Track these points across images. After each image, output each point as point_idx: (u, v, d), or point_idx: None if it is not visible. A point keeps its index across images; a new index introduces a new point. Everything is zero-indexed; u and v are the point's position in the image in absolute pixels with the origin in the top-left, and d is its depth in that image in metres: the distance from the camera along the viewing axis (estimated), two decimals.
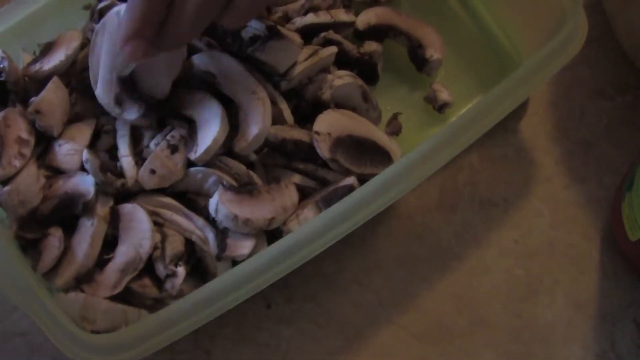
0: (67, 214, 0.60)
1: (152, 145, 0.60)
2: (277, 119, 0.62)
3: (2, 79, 0.61)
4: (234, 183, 0.60)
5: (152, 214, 0.60)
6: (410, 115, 0.69)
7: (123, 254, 0.58)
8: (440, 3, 0.74)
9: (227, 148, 0.61)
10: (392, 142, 0.64)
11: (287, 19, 0.66)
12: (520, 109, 0.71)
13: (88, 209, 0.59)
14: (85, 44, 0.63)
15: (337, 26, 0.67)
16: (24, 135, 0.60)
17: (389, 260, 0.66)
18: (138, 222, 0.59)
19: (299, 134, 0.62)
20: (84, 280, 0.58)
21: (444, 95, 0.68)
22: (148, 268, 0.59)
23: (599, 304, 0.65)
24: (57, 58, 0.62)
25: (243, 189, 0.60)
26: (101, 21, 0.60)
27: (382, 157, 0.63)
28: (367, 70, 0.68)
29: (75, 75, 0.63)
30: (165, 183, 0.60)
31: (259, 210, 0.59)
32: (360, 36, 0.69)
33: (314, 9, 0.67)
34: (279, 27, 0.62)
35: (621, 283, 0.65)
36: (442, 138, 0.58)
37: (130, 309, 0.57)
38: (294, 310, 0.64)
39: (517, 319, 0.64)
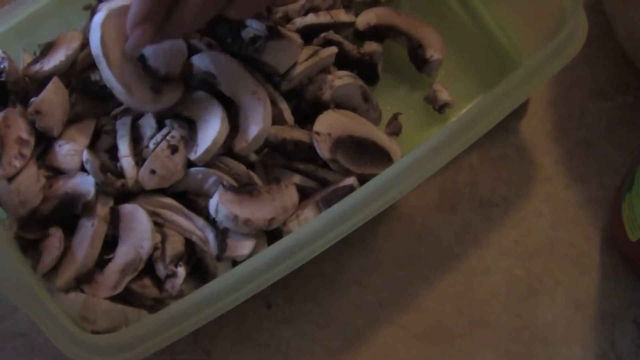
0: (67, 214, 0.60)
1: (152, 145, 0.60)
2: (278, 120, 0.62)
3: (3, 79, 0.61)
4: (234, 183, 0.60)
5: (152, 214, 0.60)
6: (410, 115, 0.69)
7: (123, 254, 0.58)
8: (441, 3, 0.74)
9: (227, 148, 0.61)
10: (392, 142, 0.64)
11: (287, 19, 0.66)
12: (521, 109, 0.71)
13: (88, 209, 0.59)
14: (86, 44, 0.63)
15: (337, 26, 0.67)
16: (24, 135, 0.60)
17: (389, 261, 0.66)
18: (138, 222, 0.59)
19: (299, 135, 0.62)
20: (84, 280, 0.58)
21: (444, 95, 0.68)
22: (148, 268, 0.59)
23: (599, 304, 0.65)
24: (57, 58, 0.62)
25: (243, 189, 0.60)
26: None
27: (382, 157, 0.63)
28: (367, 71, 0.68)
29: (76, 75, 0.63)
30: (166, 183, 0.60)
31: (259, 211, 0.59)
32: (361, 36, 0.69)
33: (314, 10, 0.67)
34: (279, 28, 0.62)
35: (621, 283, 0.65)
36: (442, 138, 0.58)
37: (131, 309, 0.57)
38: (294, 310, 0.64)
39: (517, 319, 0.64)
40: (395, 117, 0.68)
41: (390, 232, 0.67)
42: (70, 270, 0.58)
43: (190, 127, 0.61)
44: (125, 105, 0.61)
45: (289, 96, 0.64)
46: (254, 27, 0.61)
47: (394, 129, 0.67)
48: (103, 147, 0.62)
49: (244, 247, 0.59)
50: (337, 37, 0.67)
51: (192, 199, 0.61)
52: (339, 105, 0.64)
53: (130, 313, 0.57)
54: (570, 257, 0.66)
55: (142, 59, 0.60)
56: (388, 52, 0.70)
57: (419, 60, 0.69)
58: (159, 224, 0.60)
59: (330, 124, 0.62)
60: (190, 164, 0.60)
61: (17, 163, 0.59)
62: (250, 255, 0.59)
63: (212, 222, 0.60)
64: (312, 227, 0.56)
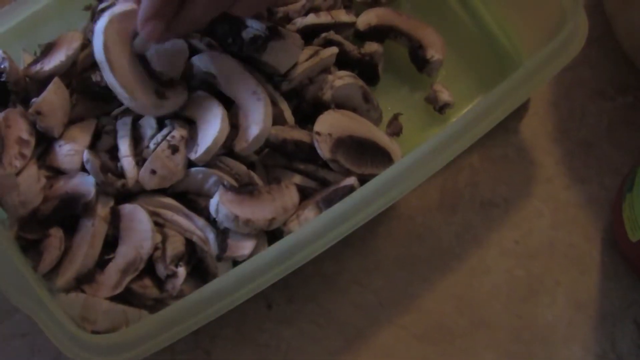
0: (67, 214, 0.60)
1: (152, 145, 0.60)
2: (278, 120, 0.62)
3: (3, 79, 0.61)
4: (234, 183, 0.60)
5: (152, 214, 0.60)
6: (410, 115, 0.69)
7: (124, 254, 0.58)
8: (441, 4, 0.74)
9: (227, 148, 0.61)
10: (393, 142, 0.64)
11: (287, 19, 0.66)
12: (521, 109, 0.71)
13: (89, 209, 0.59)
14: (86, 44, 0.64)
15: (337, 27, 0.67)
16: (25, 135, 0.60)
17: (389, 261, 0.66)
18: (139, 222, 0.59)
19: (299, 135, 0.62)
20: (84, 280, 0.58)
21: (444, 95, 0.68)
22: (149, 268, 0.59)
23: (600, 304, 0.65)
24: (57, 59, 0.62)
25: (244, 189, 0.60)
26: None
27: (382, 157, 0.63)
28: (367, 71, 0.68)
29: (76, 75, 0.63)
30: (166, 183, 0.60)
31: (260, 211, 0.59)
32: (361, 37, 0.69)
33: (315, 10, 0.67)
34: (280, 28, 0.62)
35: (622, 283, 0.65)
36: (442, 138, 0.58)
37: (131, 310, 0.57)
38: (294, 310, 0.64)
39: (518, 319, 0.64)
40: (395, 117, 0.68)
41: (390, 232, 0.67)
42: (70, 270, 0.58)
43: (191, 127, 0.61)
44: (134, 110, 0.61)
45: (290, 96, 0.64)
46: (254, 27, 0.61)
47: (395, 129, 0.67)
48: (103, 147, 0.62)
49: (245, 247, 0.59)
50: (338, 38, 0.67)
51: (192, 199, 0.61)
52: (340, 105, 0.64)
53: (131, 313, 0.57)
54: (571, 257, 0.66)
55: (145, 62, 0.60)
56: (388, 52, 0.70)
57: (419, 60, 0.69)
58: (159, 224, 0.60)
59: (330, 124, 0.62)
60: (190, 164, 0.60)
61: (18, 163, 0.59)
62: (251, 255, 0.58)
63: (212, 222, 0.60)
64: (312, 227, 0.56)
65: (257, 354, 0.63)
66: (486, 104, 0.60)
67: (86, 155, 0.60)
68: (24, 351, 0.62)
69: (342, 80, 0.64)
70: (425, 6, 0.73)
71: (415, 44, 0.69)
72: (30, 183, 0.59)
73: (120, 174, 0.60)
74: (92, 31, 0.63)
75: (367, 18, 0.70)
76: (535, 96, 0.72)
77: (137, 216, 0.59)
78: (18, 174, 0.59)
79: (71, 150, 0.61)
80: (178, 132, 0.60)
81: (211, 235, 0.60)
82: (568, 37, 0.61)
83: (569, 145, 0.70)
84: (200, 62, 0.61)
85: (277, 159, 0.63)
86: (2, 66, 0.61)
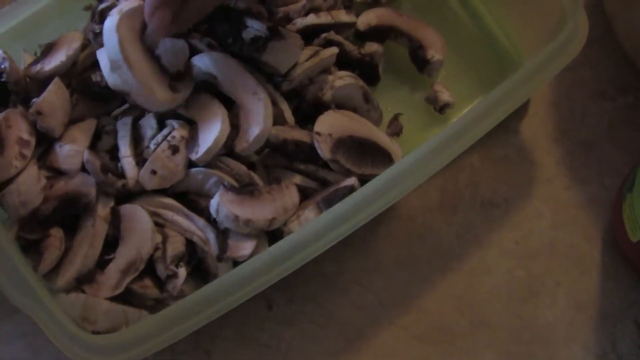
0: (68, 214, 0.60)
1: (152, 145, 0.60)
2: (278, 120, 0.62)
3: (4, 79, 0.61)
4: (234, 184, 0.60)
5: (153, 214, 0.60)
6: (411, 116, 0.69)
7: (124, 254, 0.58)
8: (441, 4, 0.74)
9: (228, 149, 0.61)
10: (393, 142, 0.64)
11: (288, 19, 0.66)
12: (521, 109, 0.71)
13: (89, 209, 0.59)
14: (86, 44, 0.64)
15: (338, 27, 0.67)
16: (25, 136, 0.60)
17: (389, 261, 0.66)
18: (139, 222, 0.59)
19: (299, 135, 0.62)
20: (84, 281, 0.58)
21: (445, 96, 0.68)
22: (149, 269, 0.59)
23: (600, 304, 0.65)
24: (58, 59, 0.62)
25: (244, 189, 0.60)
26: None
27: (383, 157, 0.63)
28: (368, 71, 0.68)
29: (76, 76, 0.63)
30: (166, 184, 0.60)
31: (260, 211, 0.59)
32: (361, 37, 0.69)
33: (315, 10, 0.67)
34: (280, 28, 0.62)
35: (622, 284, 0.65)
36: (443, 139, 0.58)
37: (131, 310, 0.57)
38: (294, 311, 0.64)
39: (518, 319, 0.64)
40: (396, 117, 0.68)
41: (391, 232, 0.67)
42: (70, 270, 0.58)
43: (191, 127, 0.61)
44: (144, 107, 0.60)
45: (290, 96, 0.64)
46: (254, 27, 0.61)
47: (395, 129, 0.67)
48: (104, 148, 0.62)
49: (245, 247, 0.59)
50: (338, 38, 0.67)
51: (193, 200, 0.61)
52: (340, 105, 0.64)
53: (131, 313, 0.57)
54: (571, 257, 0.66)
55: (157, 58, 0.60)
56: (389, 52, 0.70)
57: (419, 60, 0.69)
58: (159, 225, 0.60)
59: (331, 125, 0.62)
60: (191, 164, 0.60)
61: (18, 163, 0.59)
62: (251, 255, 0.58)
63: (213, 222, 0.60)
64: (312, 228, 0.56)
65: (257, 354, 0.63)
66: (486, 104, 0.60)
67: (86, 155, 0.60)
68: (24, 351, 0.62)
69: (343, 80, 0.64)
70: (425, 6, 0.73)
71: (415, 44, 0.69)
72: (31, 183, 0.59)
73: (121, 174, 0.60)
74: (92, 31, 0.63)
75: (368, 18, 0.70)
76: (536, 96, 0.72)
77: (138, 216, 0.59)
78: (18, 174, 0.59)
79: (71, 151, 0.61)
80: (178, 133, 0.60)
81: (211, 236, 0.60)
82: (568, 37, 0.61)
83: (569, 145, 0.70)
84: (201, 63, 0.61)
85: (277, 159, 0.63)
86: (2, 66, 0.61)
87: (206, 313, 0.54)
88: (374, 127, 0.64)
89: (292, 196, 0.60)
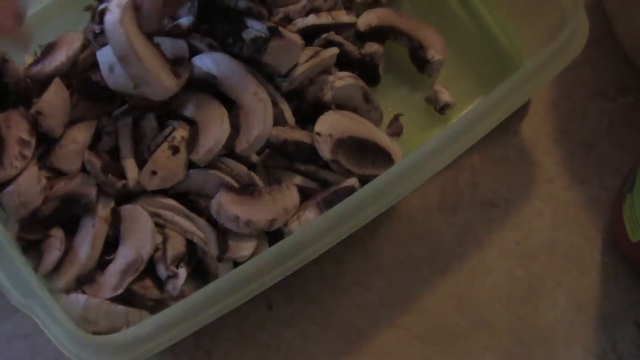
0: (68, 215, 0.60)
1: (153, 146, 0.60)
2: (279, 120, 0.62)
3: (4, 80, 0.61)
4: (235, 184, 0.60)
5: (153, 215, 0.60)
6: (411, 116, 0.69)
7: (124, 255, 0.58)
8: (441, 4, 0.74)
9: (228, 149, 0.61)
10: (394, 143, 0.64)
11: (288, 20, 0.66)
12: (522, 109, 0.71)
13: (89, 210, 0.59)
14: (87, 45, 0.63)
15: (338, 27, 0.67)
16: (25, 136, 0.60)
17: (390, 262, 0.66)
18: (139, 223, 0.59)
19: (300, 135, 0.62)
20: (85, 281, 0.58)
21: (445, 96, 0.68)
22: (149, 269, 0.59)
23: (600, 305, 0.65)
24: (58, 59, 0.62)
25: (244, 190, 0.60)
26: None
27: (383, 158, 0.63)
28: (368, 72, 0.68)
29: (77, 76, 0.63)
30: (167, 184, 0.60)
31: (260, 212, 0.59)
32: (362, 37, 0.69)
33: (315, 10, 0.67)
34: (280, 29, 0.61)
35: (622, 284, 0.65)
36: (443, 139, 0.58)
37: (132, 310, 0.57)
38: (295, 311, 0.64)
39: (518, 320, 0.64)
40: (396, 117, 0.68)
41: (391, 232, 0.67)
42: (71, 271, 0.58)
43: (192, 127, 0.61)
44: (150, 97, 0.60)
45: (290, 97, 0.64)
46: (255, 27, 0.61)
47: (395, 129, 0.67)
48: (104, 148, 0.62)
49: (245, 248, 0.59)
50: (338, 38, 0.67)
51: (193, 200, 0.61)
52: (340, 106, 0.64)
53: (132, 314, 0.57)
54: (571, 258, 0.66)
55: (157, 45, 0.60)
56: (389, 53, 0.70)
57: (420, 61, 0.69)
58: (160, 225, 0.60)
59: (331, 125, 0.62)
60: (191, 164, 0.60)
61: (18, 164, 0.59)
62: (252, 256, 0.59)
63: (213, 223, 0.60)
64: (313, 228, 0.56)
65: (257, 355, 0.63)
66: (487, 104, 0.60)
67: (87, 155, 0.60)
68: (24, 352, 0.62)
69: (343, 80, 0.64)
70: (425, 7, 0.73)
71: (415, 45, 0.70)
72: (31, 184, 0.59)
73: (121, 175, 0.60)
74: (92, 32, 0.63)
75: (368, 19, 0.70)
76: (536, 97, 0.72)
77: (138, 217, 0.59)
78: (19, 174, 0.59)
79: (72, 151, 0.61)
80: (179, 133, 0.60)
81: (212, 236, 0.60)
82: (569, 37, 0.61)
83: (569, 145, 0.70)
84: (201, 63, 0.61)
85: (277, 160, 0.63)
86: (2, 67, 0.61)
87: (206, 313, 0.54)
88: (374, 127, 0.64)
89: (292, 197, 0.60)
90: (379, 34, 0.70)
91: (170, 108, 0.62)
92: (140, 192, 0.61)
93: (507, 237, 0.67)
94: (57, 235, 0.59)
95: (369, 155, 0.62)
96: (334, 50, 0.65)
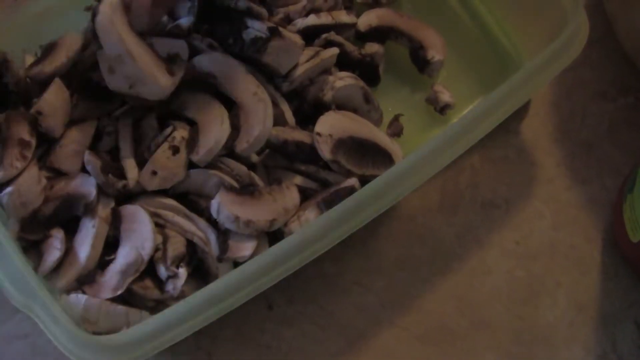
0: (68, 215, 0.60)
1: (153, 146, 0.60)
2: (279, 121, 0.62)
3: (4, 80, 0.61)
4: (235, 184, 0.60)
5: (153, 215, 0.60)
6: (411, 116, 0.69)
7: (124, 255, 0.58)
8: (442, 4, 0.74)
9: (228, 149, 0.61)
10: (394, 143, 0.64)
11: (288, 20, 0.66)
12: (522, 110, 0.71)
13: (89, 210, 0.59)
14: (87, 45, 0.63)
15: (338, 28, 0.67)
16: (26, 136, 0.60)
17: (390, 262, 0.66)
18: (140, 223, 0.59)
19: (300, 136, 0.62)
20: (85, 281, 0.58)
21: (445, 96, 0.68)
22: (149, 269, 0.59)
23: (600, 305, 0.65)
24: (58, 59, 0.62)
25: (244, 190, 0.60)
26: None
27: (383, 158, 0.63)
28: (368, 72, 0.68)
29: (77, 76, 0.63)
30: (167, 184, 0.60)
31: (261, 212, 0.59)
32: (362, 37, 0.69)
33: (316, 11, 0.67)
34: (280, 29, 0.61)
35: (622, 284, 0.65)
36: (443, 139, 0.58)
37: (132, 311, 0.57)
38: (295, 311, 0.64)
39: (519, 320, 0.64)
40: (396, 118, 0.68)
41: (391, 233, 0.67)
42: (71, 271, 0.58)
43: (192, 128, 0.61)
44: (147, 97, 0.60)
45: (290, 97, 0.64)
46: (255, 28, 0.61)
47: (395, 130, 0.67)
48: (104, 148, 0.62)
49: (246, 248, 0.59)
50: (339, 38, 0.67)
51: (193, 200, 0.61)
52: (340, 106, 0.64)
53: (132, 314, 0.57)
54: (572, 258, 0.66)
55: (150, 45, 0.60)
56: (389, 53, 0.70)
57: (420, 61, 0.69)
58: (160, 225, 0.60)
59: (331, 125, 0.62)
60: (191, 164, 0.60)
61: (19, 164, 0.59)
62: (252, 256, 0.58)
63: (213, 223, 0.60)
64: (313, 228, 0.56)
65: (258, 355, 0.63)
66: (487, 105, 0.60)
67: (87, 156, 0.60)
68: (25, 352, 0.62)
69: (343, 81, 0.64)
70: (426, 7, 0.73)
71: (416, 45, 0.70)
72: (31, 184, 0.59)
73: (121, 175, 0.60)
74: (92, 32, 0.63)
75: (368, 19, 0.70)
76: (536, 97, 0.72)
77: (138, 217, 0.59)
78: (19, 175, 0.59)
79: (72, 151, 0.61)
80: (179, 133, 0.60)
81: (212, 236, 0.60)
82: (569, 38, 0.61)
83: (569, 146, 0.70)
84: (201, 63, 0.61)
85: (277, 160, 0.63)
86: (3, 67, 0.61)
87: (207, 314, 0.54)
88: (374, 127, 0.64)
89: (292, 197, 0.60)
90: (379, 34, 0.70)
91: (171, 108, 0.62)
92: (141, 192, 0.61)
93: (508, 238, 0.67)
94: (57, 236, 0.59)
95: (369, 155, 0.62)
96: (334, 51, 0.65)
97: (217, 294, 0.54)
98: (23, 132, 0.60)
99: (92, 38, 0.62)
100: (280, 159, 0.63)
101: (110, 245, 0.59)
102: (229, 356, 0.63)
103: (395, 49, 0.71)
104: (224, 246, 0.59)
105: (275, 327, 0.63)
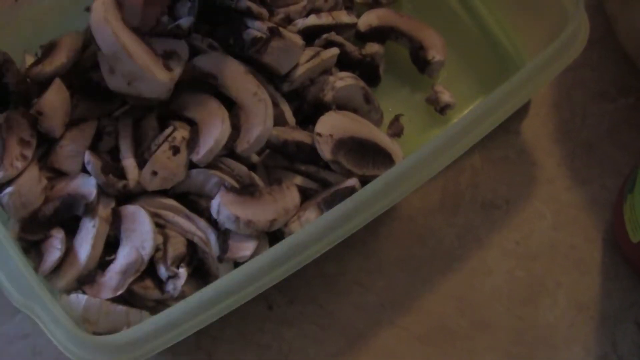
0: (69, 215, 0.60)
1: (153, 146, 0.60)
2: (279, 121, 0.62)
3: (4, 80, 0.61)
4: (235, 184, 0.60)
5: (153, 215, 0.60)
6: (412, 116, 0.69)
7: (125, 255, 0.58)
8: (442, 5, 0.74)
9: (229, 149, 0.61)
10: (394, 143, 0.64)
11: (288, 20, 0.66)
12: (522, 110, 0.71)
13: (90, 210, 0.59)
14: (87, 45, 0.63)
15: (338, 28, 0.67)
16: (26, 136, 0.60)
17: (390, 262, 0.66)
18: (140, 223, 0.59)
19: (300, 136, 0.62)
20: (85, 281, 0.58)
21: (445, 96, 0.68)
22: (150, 270, 0.59)
23: (601, 305, 0.65)
24: (59, 59, 0.62)
25: (245, 190, 0.60)
26: None
27: (384, 158, 0.63)
28: (368, 72, 0.68)
29: (77, 76, 0.63)
30: (167, 184, 0.60)
31: (261, 212, 0.59)
32: (362, 38, 0.69)
33: (316, 11, 0.67)
34: (281, 29, 0.62)
35: (623, 284, 0.65)
36: (444, 140, 0.58)
37: (132, 311, 0.57)
38: (295, 312, 0.64)
39: (519, 320, 0.64)
40: (396, 118, 0.68)
41: (391, 233, 0.67)
42: (72, 271, 0.58)
43: (192, 128, 0.61)
44: (147, 95, 0.60)
45: (291, 97, 0.64)
46: (255, 28, 0.61)
47: (396, 130, 0.67)
48: (105, 148, 0.62)
49: (246, 248, 0.59)
50: (339, 39, 0.67)
51: (193, 200, 0.61)
52: (341, 106, 0.64)
53: (132, 314, 0.57)
54: (572, 258, 0.66)
55: (146, 42, 0.60)
56: (389, 53, 0.70)
57: (420, 61, 0.69)
58: (160, 225, 0.60)
59: (332, 125, 0.62)
60: (192, 165, 0.60)
61: (19, 164, 0.59)
62: (252, 256, 0.58)
63: (213, 223, 0.60)
64: (313, 229, 0.56)
65: (258, 355, 0.63)
66: (487, 105, 0.60)
67: (87, 156, 0.60)
68: (25, 352, 0.62)
69: (343, 81, 0.64)
70: (426, 7, 0.73)
71: (416, 45, 0.70)
72: (32, 184, 0.59)
73: (122, 175, 0.60)
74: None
75: (368, 19, 0.70)
76: (536, 97, 0.72)
77: (139, 217, 0.59)
78: (19, 175, 0.59)
79: (72, 151, 0.61)
80: (179, 133, 0.60)
81: (212, 237, 0.60)
82: (569, 38, 0.61)
83: (570, 146, 0.70)
84: (202, 63, 0.61)
85: (278, 160, 0.63)
86: (3, 67, 0.61)
87: (207, 314, 0.54)
88: (374, 128, 0.64)
89: (293, 197, 0.60)
90: (380, 34, 0.70)
91: (171, 108, 0.62)
92: (141, 193, 0.61)
93: (508, 238, 0.67)
94: (57, 236, 0.59)
95: (369, 155, 0.62)
96: (335, 51, 0.65)
97: (217, 294, 0.54)
98: (23, 132, 0.60)
99: (92, 38, 0.62)
100: (281, 159, 0.63)
101: (111, 245, 0.59)
102: (229, 356, 0.63)
103: (395, 49, 0.71)
104: (224, 246, 0.59)
105: (275, 327, 0.63)
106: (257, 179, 0.61)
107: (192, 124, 0.61)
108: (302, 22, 0.66)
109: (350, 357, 0.63)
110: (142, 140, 0.62)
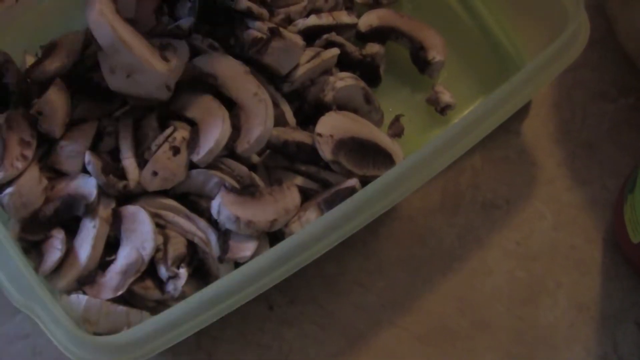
0: (69, 215, 0.60)
1: (154, 147, 0.60)
2: (279, 121, 0.62)
3: (5, 80, 0.61)
4: (236, 185, 0.60)
5: (154, 215, 0.60)
6: (412, 117, 0.69)
7: (125, 256, 0.58)
8: (442, 5, 0.74)
9: (229, 150, 0.61)
10: (395, 144, 0.64)
11: (289, 20, 0.66)
12: (522, 110, 0.71)
13: (90, 210, 0.59)
14: (87, 45, 0.63)
15: (339, 28, 0.67)
16: (26, 137, 0.60)
17: (390, 262, 0.66)
18: (140, 224, 0.59)
19: (301, 136, 0.62)
20: (86, 282, 0.58)
21: (446, 97, 0.68)
22: (150, 270, 0.59)
23: (601, 305, 0.65)
24: (59, 59, 0.62)
25: (245, 190, 0.60)
26: None
27: (384, 159, 0.63)
28: (369, 72, 0.68)
29: (78, 76, 0.63)
30: (168, 185, 0.60)
31: (261, 212, 0.59)
32: (362, 38, 0.69)
33: (316, 11, 0.67)
34: (281, 29, 0.62)
35: (623, 285, 0.65)
36: (444, 140, 0.58)
37: (133, 311, 0.57)
38: (296, 312, 0.64)
39: (519, 320, 0.64)
40: (397, 118, 0.68)
41: (392, 233, 0.67)
42: (72, 271, 0.58)
43: (192, 128, 0.61)
44: (146, 87, 0.60)
45: (291, 98, 0.64)
46: (255, 28, 0.61)
47: (396, 130, 0.67)
48: (105, 149, 0.62)
49: (246, 248, 0.59)
50: (339, 39, 0.67)
51: (194, 201, 0.61)
52: (341, 106, 0.64)
53: (133, 315, 0.57)
54: (572, 259, 0.66)
55: (141, 34, 0.60)
56: (390, 53, 0.70)
57: (421, 62, 0.69)
58: (161, 226, 0.60)
59: (332, 126, 0.62)
60: (192, 165, 0.60)
61: (19, 165, 0.59)
62: (253, 256, 0.58)
63: (214, 223, 0.60)
64: (314, 229, 0.56)
65: (258, 356, 0.63)
66: (488, 105, 0.60)
67: (88, 156, 0.60)
68: (25, 352, 0.62)
69: (344, 81, 0.64)
70: (426, 7, 0.73)
71: (416, 46, 0.69)
72: (32, 184, 0.59)
73: (122, 176, 0.60)
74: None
75: (369, 19, 0.70)
76: (537, 97, 0.72)
77: (139, 217, 0.59)
78: (20, 175, 0.59)
79: (73, 152, 0.61)
80: (179, 134, 0.60)
81: (213, 237, 0.60)
82: (570, 38, 0.61)
83: (570, 146, 0.70)
84: (202, 64, 0.61)
85: (278, 161, 0.63)
86: (3, 67, 0.61)
87: (207, 314, 0.54)
88: (375, 128, 0.64)
89: (293, 197, 0.60)
90: (380, 34, 0.70)
91: (171, 108, 0.62)
92: (141, 193, 0.61)
93: (508, 238, 0.67)
94: (58, 236, 0.59)
95: (370, 156, 0.62)
96: (335, 51, 0.65)
97: (217, 294, 0.54)
98: (24, 132, 0.60)
99: (91, 37, 0.62)
100: (281, 159, 0.63)
101: (111, 245, 0.59)
102: (229, 356, 0.63)
103: (395, 50, 0.71)
104: (224, 247, 0.59)
105: (275, 327, 0.63)
106: (257, 179, 0.61)
107: (193, 125, 0.61)
108: (302, 23, 0.66)
109: (350, 357, 0.63)
110: (143, 141, 0.62)
